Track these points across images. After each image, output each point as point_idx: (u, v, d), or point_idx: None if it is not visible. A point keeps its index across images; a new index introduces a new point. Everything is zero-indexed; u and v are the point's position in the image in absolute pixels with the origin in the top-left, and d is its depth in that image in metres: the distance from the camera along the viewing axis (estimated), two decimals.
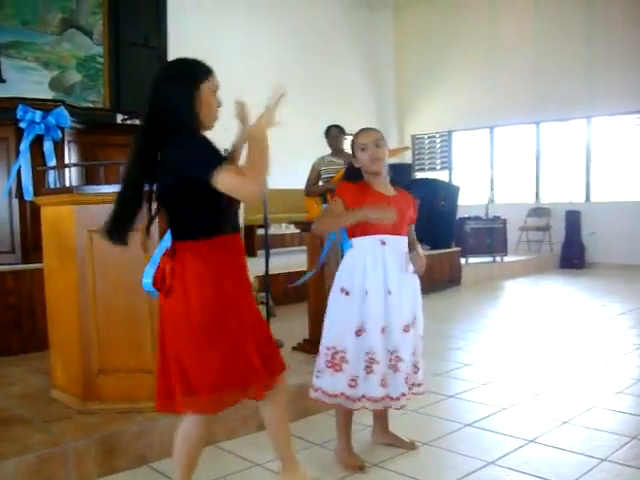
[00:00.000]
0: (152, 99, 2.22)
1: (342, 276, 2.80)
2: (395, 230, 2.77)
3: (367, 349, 2.71)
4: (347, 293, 2.75)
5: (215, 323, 2.20)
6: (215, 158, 2.11)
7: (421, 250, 2.93)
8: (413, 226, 2.95)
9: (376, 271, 2.72)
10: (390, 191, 2.87)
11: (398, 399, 2.77)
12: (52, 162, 4.84)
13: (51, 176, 4.66)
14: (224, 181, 2.07)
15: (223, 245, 2.24)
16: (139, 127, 2.30)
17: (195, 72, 2.25)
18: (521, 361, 4.64)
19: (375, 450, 3.02)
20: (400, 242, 2.81)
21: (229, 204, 2.22)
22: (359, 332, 2.71)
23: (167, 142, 2.13)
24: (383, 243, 2.74)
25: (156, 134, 2.17)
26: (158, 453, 2.94)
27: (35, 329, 4.39)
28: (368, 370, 2.71)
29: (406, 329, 2.78)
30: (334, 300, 2.80)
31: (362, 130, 2.91)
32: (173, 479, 2.43)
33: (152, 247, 2.42)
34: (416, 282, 2.88)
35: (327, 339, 2.78)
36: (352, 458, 2.88)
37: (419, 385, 2.91)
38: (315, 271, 3.60)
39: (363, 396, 2.73)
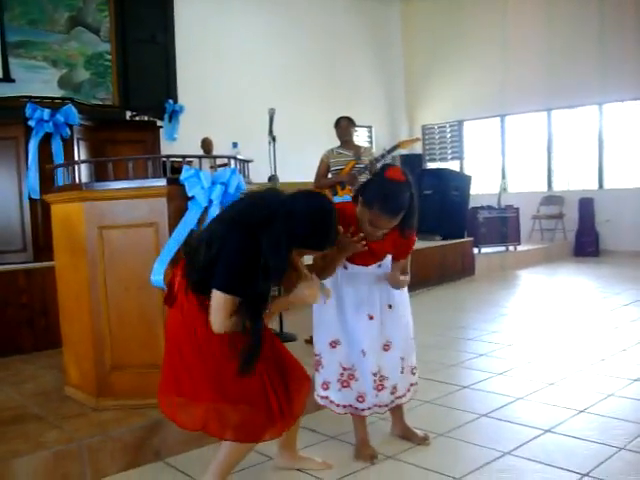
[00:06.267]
0: None
1: None
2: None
3: None
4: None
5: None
6: None
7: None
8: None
9: None
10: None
11: None
12: (61, 160, 4.84)
13: (60, 174, 4.67)
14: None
15: None
16: None
17: None
18: (536, 350, 4.60)
19: (392, 442, 3.00)
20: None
21: None
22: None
23: None
24: None
25: None
26: (173, 449, 2.94)
27: (48, 327, 4.40)
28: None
29: None
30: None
31: (389, 206, 2.49)
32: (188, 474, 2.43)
33: None
34: None
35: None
36: (365, 448, 2.88)
37: None
38: None
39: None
